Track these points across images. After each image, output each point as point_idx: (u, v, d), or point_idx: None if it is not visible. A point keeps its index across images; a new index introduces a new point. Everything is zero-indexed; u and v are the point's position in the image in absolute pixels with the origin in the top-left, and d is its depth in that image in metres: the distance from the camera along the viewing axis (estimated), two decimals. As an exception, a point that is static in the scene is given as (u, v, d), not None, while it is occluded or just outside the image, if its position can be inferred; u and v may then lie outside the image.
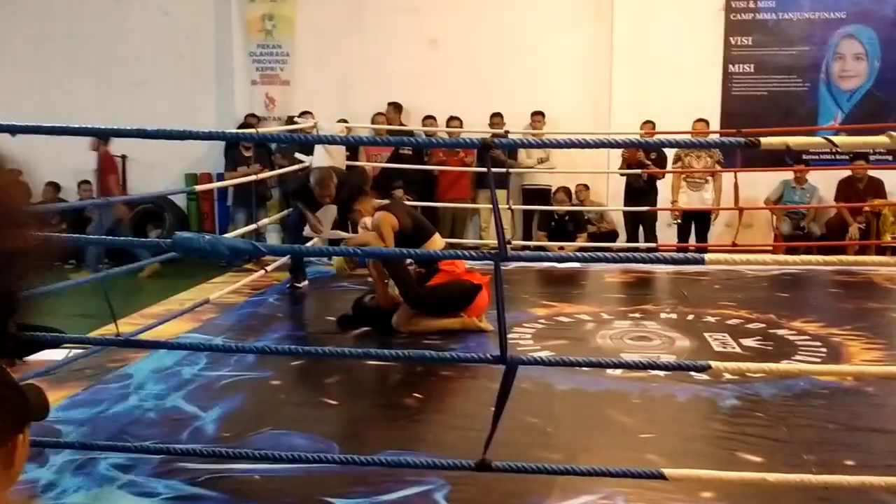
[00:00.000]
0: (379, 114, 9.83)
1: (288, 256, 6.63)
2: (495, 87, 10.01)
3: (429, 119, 9.72)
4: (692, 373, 4.18)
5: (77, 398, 3.94)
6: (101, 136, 2.77)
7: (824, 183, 9.64)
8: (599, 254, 2.47)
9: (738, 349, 4.78)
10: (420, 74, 10.11)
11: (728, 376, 4.17)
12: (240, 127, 10.04)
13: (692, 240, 9.04)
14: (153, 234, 8.75)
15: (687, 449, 3.41)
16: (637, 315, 5.66)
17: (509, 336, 5.00)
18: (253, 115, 10.25)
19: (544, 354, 4.46)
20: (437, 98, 9.95)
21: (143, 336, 4.55)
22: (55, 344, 4.30)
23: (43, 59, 10.72)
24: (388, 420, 3.77)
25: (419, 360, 4.19)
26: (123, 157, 10.60)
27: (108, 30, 10.68)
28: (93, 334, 4.58)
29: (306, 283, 6.67)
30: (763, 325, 5.34)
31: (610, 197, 9.80)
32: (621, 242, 9.29)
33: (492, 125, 9.35)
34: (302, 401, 4.07)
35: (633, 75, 9.98)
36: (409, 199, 8.82)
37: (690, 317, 5.60)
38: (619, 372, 4.28)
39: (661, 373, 4.24)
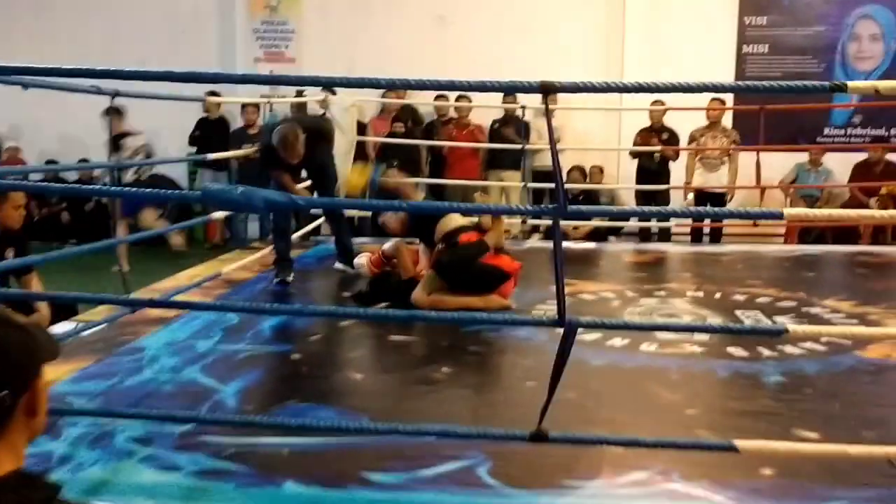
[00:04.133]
0: (388, 91, 9.62)
1: (272, 248, 5.92)
2: (504, 65, 9.72)
3: (441, 97, 9.53)
4: (730, 348, 4.04)
5: (88, 370, 3.73)
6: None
7: (839, 167, 9.48)
8: (665, 209, 2.28)
9: (772, 326, 4.60)
10: (428, 52, 9.91)
11: (767, 353, 4.01)
12: (242, 107, 9.84)
13: (707, 222, 8.86)
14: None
15: (738, 425, 3.22)
16: (663, 293, 5.47)
17: (534, 313, 4.84)
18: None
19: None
20: (445, 76, 9.69)
21: (154, 312, 4.38)
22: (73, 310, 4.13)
23: (44, 35, 10.49)
24: (418, 394, 3.58)
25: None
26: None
27: (109, 5, 10.44)
28: (103, 308, 4.39)
29: (293, 276, 5.74)
30: (795, 304, 5.15)
31: (622, 179, 9.62)
32: (633, 223, 9.13)
33: (505, 102, 9.14)
34: (326, 374, 3.88)
35: (645, 55, 9.80)
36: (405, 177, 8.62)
37: (718, 295, 5.41)
38: (653, 347, 4.12)
39: (698, 348, 4.10)
